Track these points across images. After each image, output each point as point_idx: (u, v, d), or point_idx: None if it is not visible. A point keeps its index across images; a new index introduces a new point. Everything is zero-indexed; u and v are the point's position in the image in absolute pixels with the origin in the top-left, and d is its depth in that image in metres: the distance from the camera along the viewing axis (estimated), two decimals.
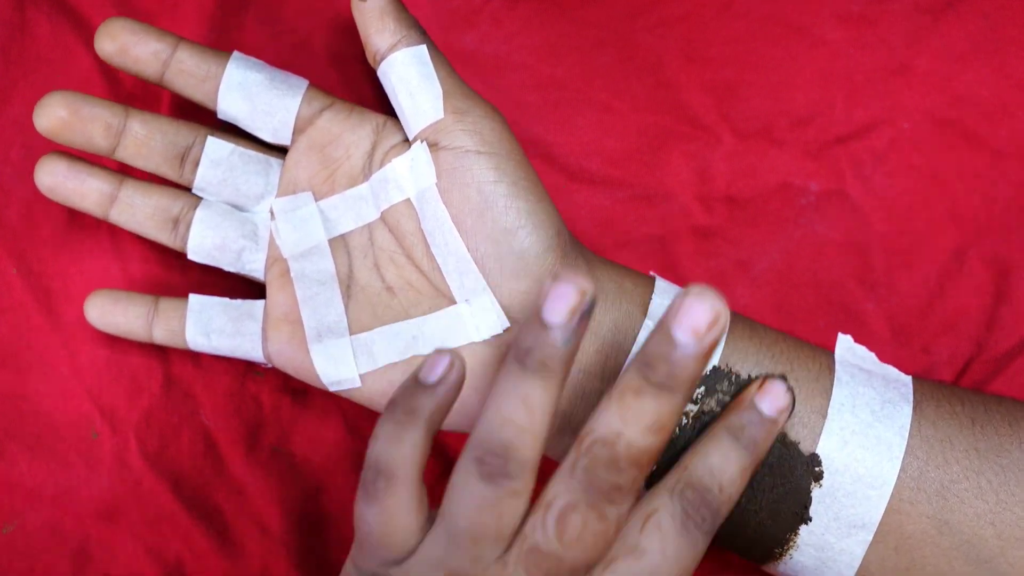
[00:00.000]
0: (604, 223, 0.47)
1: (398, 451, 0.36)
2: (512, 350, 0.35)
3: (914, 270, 0.47)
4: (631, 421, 0.34)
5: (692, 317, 0.33)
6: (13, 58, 0.47)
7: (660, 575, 0.36)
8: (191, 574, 0.46)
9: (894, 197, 0.47)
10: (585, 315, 0.34)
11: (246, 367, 0.47)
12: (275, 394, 0.47)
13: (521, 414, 0.34)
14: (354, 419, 0.47)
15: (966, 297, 0.46)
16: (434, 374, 0.36)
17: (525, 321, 0.34)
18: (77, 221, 0.47)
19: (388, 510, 0.36)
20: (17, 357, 0.46)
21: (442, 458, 0.47)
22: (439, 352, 0.36)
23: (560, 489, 0.35)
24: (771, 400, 0.39)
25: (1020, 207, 0.47)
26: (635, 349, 0.41)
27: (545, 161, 0.47)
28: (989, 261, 0.46)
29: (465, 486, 0.35)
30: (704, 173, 0.47)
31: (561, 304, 0.34)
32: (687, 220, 0.47)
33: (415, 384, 0.36)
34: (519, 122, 0.47)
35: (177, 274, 0.47)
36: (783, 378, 0.39)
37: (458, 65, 0.47)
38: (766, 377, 0.39)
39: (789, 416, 0.39)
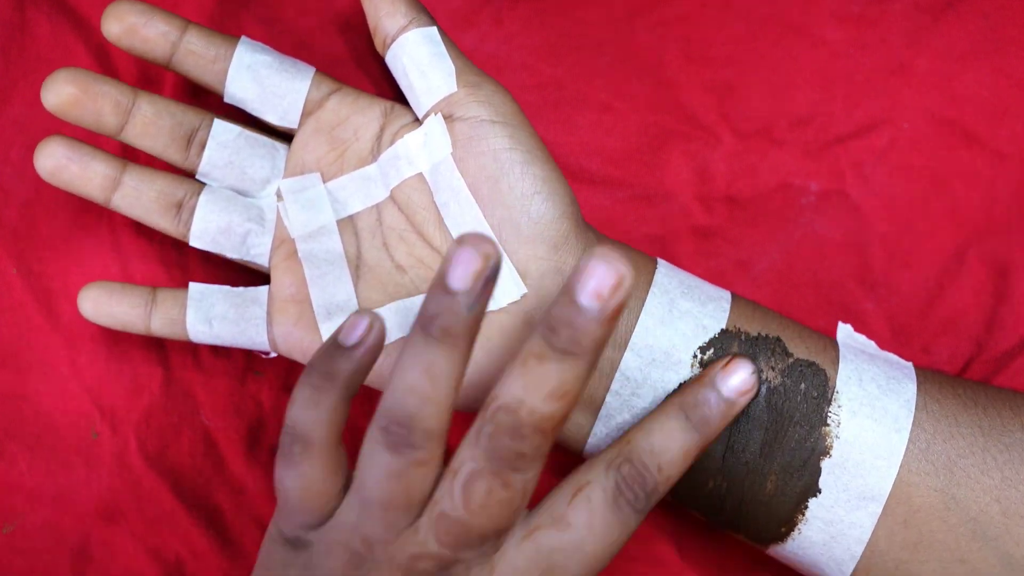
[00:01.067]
0: (604, 223, 0.47)
1: (315, 416, 0.36)
2: (417, 318, 0.34)
3: (914, 270, 0.47)
4: (533, 388, 0.34)
5: (596, 280, 0.32)
6: (13, 58, 0.47)
7: (584, 550, 0.36)
8: (191, 574, 0.46)
9: (894, 197, 0.47)
10: (490, 280, 0.33)
11: (246, 366, 0.47)
12: (275, 393, 0.47)
13: (424, 383, 0.34)
14: (354, 418, 0.47)
15: (966, 297, 0.46)
16: (352, 336, 0.36)
17: (430, 287, 0.34)
18: (77, 221, 0.47)
19: (305, 475, 0.36)
20: (17, 357, 0.46)
21: None
22: (358, 314, 0.36)
23: (466, 456, 0.35)
24: (734, 380, 0.39)
25: (1020, 207, 0.47)
26: (643, 317, 0.41)
27: None
28: (989, 261, 0.47)
29: (372, 455, 0.35)
30: (704, 173, 0.47)
31: (464, 269, 0.33)
32: (687, 220, 0.47)
33: (333, 347, 0.36)
34: None
35: (178, 273, 0.47)
36: (752, 360, 0.39)
37: None
38: (734, 356, 0.39)
39: (752, 399, 0.39)
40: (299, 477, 0.36)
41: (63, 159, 0.42)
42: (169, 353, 0.47)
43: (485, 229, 0.41)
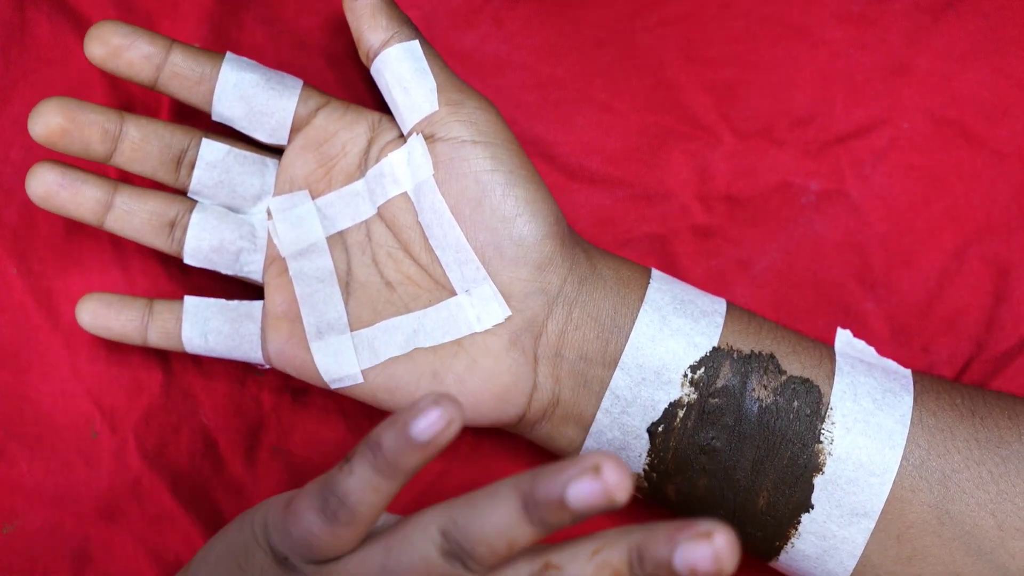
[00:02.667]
0: (604, 222, 0.47)
1: (373, 499, 0.35)
2: (523, 489, 0.33)
3: (914, 270, 0.47)
4: None
5: (698, 559, 0.31)
6: (13, 58, 0.47)
7: None
8: None
9: (894, 197, 0.47)
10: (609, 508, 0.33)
11: (246, 367, 0.47)
12: (275, 394, 0.47)
13: (503, 546, 0.33)
14: (355, 419, 0.47)
15: (966, 297, 0.46)
16: (429, 433, 0.33)
17: (547, 476, 0.32)
18: (77, 221, 0.47)
19: (339, 536, 0.35)
20: (17, 357, 0.46)
21: (440, 456, 0.47)
22: (437, 404, 0.33)
23: None
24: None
25: (1020, 207, 0.47)
26: (634, 335, 0.41)
27: (545, 160, 0.47)
28: (989, 261, 0.46)
29: (422, 547, 0.34)
30: (704, 172, 0.47)
31: (592, 501, 0.32)
32: (687, 219, 0.47)
33: (406, 438, 0.33)
34: (519, 121, 0.47)
35: (177, 274, 0.47)
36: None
37: (458, 65, 0.47)
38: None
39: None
40: (332, 534, 0.35)
41: (54, 185, 0.43)
42: (169, 353, 0.47)
43: (467, 251, 0.41)
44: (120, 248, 0.47)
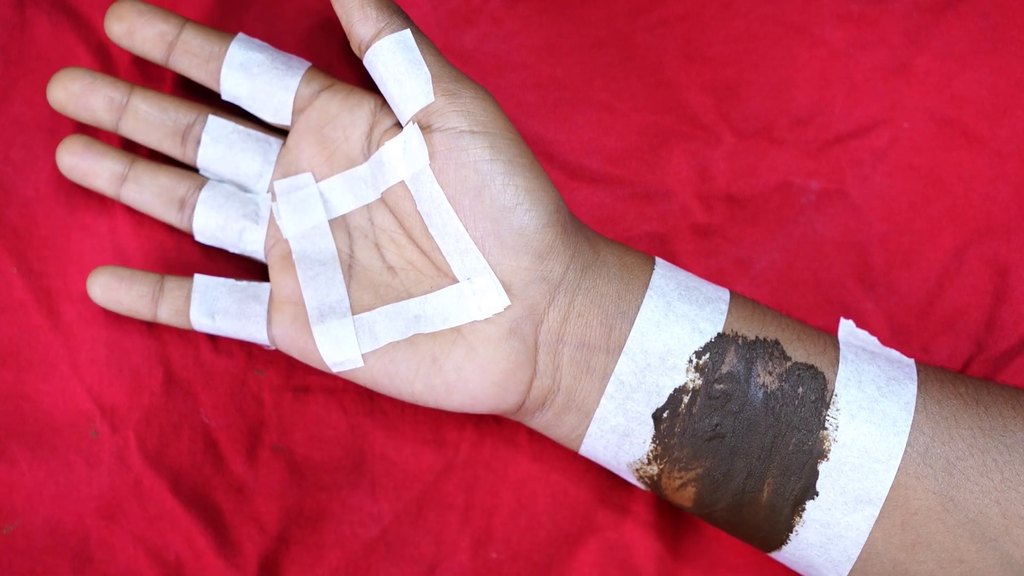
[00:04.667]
0: (604, 221, 0.47)
1: None
2: None
3: (914, 270, 0.47)
4: None
5: None
6: (13, 58, 0.47)
7: None
8: (190, 573, 0.46)
9: (894, 197, 0.47)
10: None
11: (247, 366, 0.47)
12: (276, 392, 0.47)
13: None
14: (355, 416, 0.47)
15: (966, 297, 0.47)
16: None
17: None
18: (77, 221, 0.47)
19: None
20: (17, 357, 0.46)
21: (441, 454, 0.47)
22: None
23: None
24: None
25: (1020, 207, 0.47)
26: (639, 321, 0.41)
27: (545, 160, 0.47)
28: (989, 261, 0.47)
29: None
30: (704, 172, 0.47)
31: None
32: (687, 218, 0.47)
33: None
34: (519, 121, 0.47)
35: (178, 272, 0.47)
36: None
37: (458, 65, 0.47)
38: None
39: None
40: None
41: (77, 157, 0.45)
42: (170, 352, 0.47)
43: (467, 241, 0.41)
44: (121, 248, 0.47)
